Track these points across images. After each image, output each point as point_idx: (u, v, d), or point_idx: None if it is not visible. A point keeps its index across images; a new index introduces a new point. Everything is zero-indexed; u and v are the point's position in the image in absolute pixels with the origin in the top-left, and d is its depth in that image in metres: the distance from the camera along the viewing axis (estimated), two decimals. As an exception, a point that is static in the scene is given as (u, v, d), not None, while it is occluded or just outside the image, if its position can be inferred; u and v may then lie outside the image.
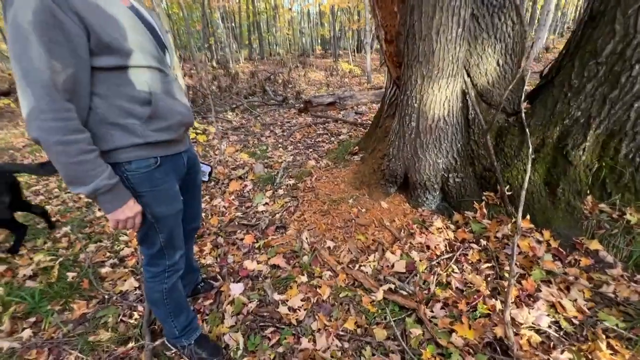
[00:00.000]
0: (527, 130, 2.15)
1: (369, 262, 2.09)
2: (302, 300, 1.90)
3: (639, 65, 1.86)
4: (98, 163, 1.01)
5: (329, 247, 2.25)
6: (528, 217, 2.13)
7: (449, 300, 1.78)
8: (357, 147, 3.39)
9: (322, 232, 2.39)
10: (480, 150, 2.32)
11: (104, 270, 2.28)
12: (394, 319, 1.72)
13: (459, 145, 2.23)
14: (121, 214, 1.10)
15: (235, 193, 3.28)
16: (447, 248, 2.13)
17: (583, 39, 2.08)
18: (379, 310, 1.78)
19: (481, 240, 2.13)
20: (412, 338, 1.61)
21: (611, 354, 1.40)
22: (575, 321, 1.59)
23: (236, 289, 2.02)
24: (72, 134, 0.93)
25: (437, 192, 2.41)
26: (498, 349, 1.50)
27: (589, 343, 1.47)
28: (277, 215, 2.71)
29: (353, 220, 2.39)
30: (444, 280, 1.90)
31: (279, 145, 4.40)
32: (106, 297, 2.06)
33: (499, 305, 1.69)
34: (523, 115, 2.20)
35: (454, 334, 1.58)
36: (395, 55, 2.31)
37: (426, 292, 1.85)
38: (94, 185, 1.00)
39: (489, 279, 1.88)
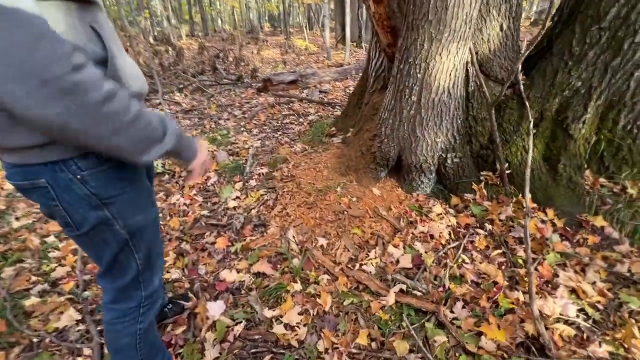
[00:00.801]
0: (526, 103, 1.99)
1: (370, 259, 1.82)
2: (299, 314, 1.58)
3: (642, 30, 1.75)
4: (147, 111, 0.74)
5: (321, 246, 1.94)
6: (529, 195, 2.01)
7: (467, 296, 1.59)
8: (333, 128, 3.06)
9: (310, 228, 2.06)
10: (478, 127, 2.13)
11: (29, 302, 1.72)
12: (412, 325, 1.48)
13: (459, 121, 2.01)
14: (204, 153, 0.95)
15: (196, 187, 2.78)
16: (452, 236, 1.94)
17: (583, 3, 1.93)
18: (393, 317, 1.53)
19: (485, 224, 1.97)
20: (436, 347, 1.39)
21: (647, 341, 1.31)
22: (600, 306, 1.49)
23: (215, 309, 1.62)
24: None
25: (433, 175, 2.20)
26: (532, 348, 1.35)
27: (622, 330, 1.37)
28: (253, 211, 2.31)
29: (345, 212, 2.10)
30: (457, 274, 1.71)
31: (242, 129, 3.89)
32: (35, 340, 1.54)
33: (521, 297, 1.54)
34: (522, 86, 2.04)
35: (482, 337, 1.39)
36: (386, 17, 1.98)
37: (441, 289, 1.64)
38: (171, 132, 0.78)
39: (503, 267, 1.73)
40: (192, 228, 2.29)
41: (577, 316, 1.45)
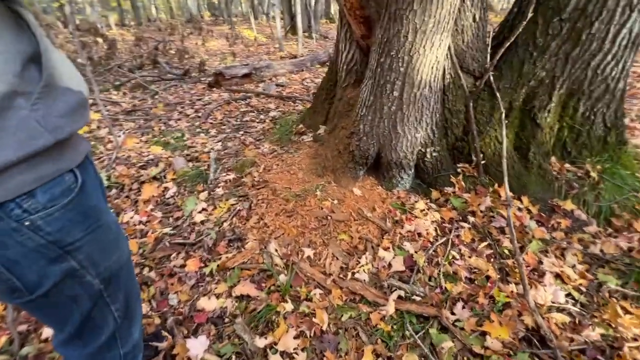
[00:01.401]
0: (497, 94, 2.02)
1: (362, 266, 1.73)
2: (295, 338, 1.44)
3: (598, 22, 1.85)
4: None
5: (308, 257, 1.79)
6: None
7: (464, 294, 1.57)
8: (301, 126, 2.89)
9: (293, 238, 1.90)
10: (453, 119, 2.12)
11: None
12: (416, 334, 1.42)
13: (438, 115, 1.97)
14: None
15: (153, 201, 2.44)
16: (438, 231, 1.92)
17: (543, -6, 1.98)
18: (395, 327, 1.46)
19: (468, 216, 1.98)
20: (444, 354, 1.34)
21: (630, 318, 1.39)
22: (583, 288, 1.57)
23: (197, 346, 1.41)
24: None
25: (412, 170, 2.16)
26: (534, 340, 1.36)
27: (607, 311, 1.45)
28: (226, 224, 2.08)
29: (329, 217, 1.97)
30: (450, 271, 1.69)
31: (198, 130, 3.53)
32: None
33: (514, 289, 1.56)
34: (491, 78, 2.06)
35: (487, 336, 1.37)
36: (359, 7, 1.84)
37: (438, 291, 1.60)
38: None
39: (492, 260, 1.74)
40: (155, 250, 2.00)
41: (567, 302, 1.50)
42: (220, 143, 3.12)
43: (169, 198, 2.45)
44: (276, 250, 1.83)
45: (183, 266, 1.85)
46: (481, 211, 2.01)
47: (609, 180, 1.95)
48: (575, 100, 2.04)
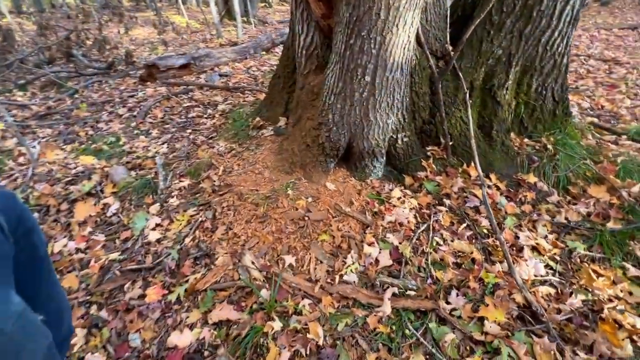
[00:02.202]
0: (460, 74, 2.01)
1: (349, 266, 1.62)
2: (290, 359, 1.29)
3: (546, -2, 1.90)
4: None
5: (290, 265, 1.63)
6: (473, 164, 2.09)
7: (454, 281, 1.55)
8: (258, 119, 2.64)
9: (270, 246, 1.71)
10: (420, 102, 2.08)
11: None
12: (417, 331, 1.35)
13: (407, 99, 1.90)
14: None
15: (91, 222, 2.05)
16: (418, 218, 1.88)
17: (496, -29, 1.98)
18: (394, 327, 1.38)
19: (443, 199, 1.98)
20: (447, 347, 1.30)
21: (603, 281, 1.49)
22: (557, 257, 1.64)
23: (175, 393, 1.18)
24: None
25: (384, 158, 2.08)
26: (527, 317, 1.38)
27: (583, 276, 1.53)
28: (188, 240, 1.81)
29: (305, 218, 1.81)
30: (437, 259, 1.66)
31: (136, 132, 3.07)
32: None
33: (499, 267, 1.58)
34: (452, 57, 2.04)
35: (485, 321, 1.36)
36: (317, -17, 1.65)
37: (430, 281, 1.55)
38: None
39: (473, 241, 1.75)
40: (102, 282, 1.67)
41: (547, 273, 1.56)
42: (165, 145, 2.74)
43: (111, 216, 2.08)
44: (253, 263, 1.63)
45: (142, 297, 1.56)
46: (455, 193, 2.01)
47: (562, 151, 2.07)
48: (528, 76, 2.11)
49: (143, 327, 1.45)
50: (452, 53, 2.02)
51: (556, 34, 2.00)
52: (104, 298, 1.60)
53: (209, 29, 8.98)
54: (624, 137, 2.51)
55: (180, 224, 1.91)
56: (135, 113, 3.51)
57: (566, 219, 1.82)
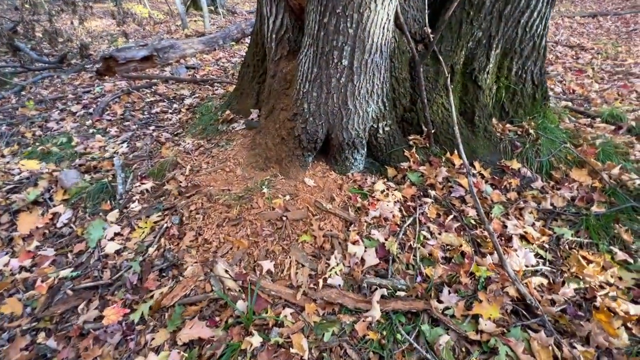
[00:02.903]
0: (440, 58, 1.91)
1: (333, 268, 1.49)
2: (272, 379, 1.15)
3: (525, -23, 1.82)
4: None
5: (268, 271, 1.48)
6: (456, 152, 2.01)
7: (444, 276, 1.46)
8: (228, 112, 2.44)
9: (245, 251, 1.55)
10: (400, 89, 1.96)
11: None
12: (408, 335, 1.25)
13: (387, 85, 1.78)
14: None
15: (37, 235, 1.79)
16: (404, 212, 1.78)
17: (473, -52, 1.88)
18: (385, 333, 1.27)
19: (428, 190, 1.88)
20: (442, 350, 1.21)
21: (593, 267, 1.45)
22: (546, 245, 1.59)
23: None
24: None
25: (365, 149, 1.96)
26: (522, 311, 1.32)
27: (573, 264, 1.48)
28: (152, 250, 1.61)
29: (283, 218, 1.66)
30: (425, 254, 1.56)
31: (92, 130, 2.76)
32: None
33: (489, 259, 1.51)
34: (433, 40, 1.93)
35: (480, 319, 1.28)
36: (284, -44, 1.48)
37: (419, 279, 1.46)
38: None
39: (461, 233, 1.67)
40: (51, 305, 1.45)
41: (537, 263, 1.50)
42: (125, 144, 2.48)
43: (61, 227, 1.83)
44: (226, 271, 1.46)
45: (99, 319, 1.36)
46: (439, 183, 1.93)
47: (543, 135, 2.04)
48: (509, 59, 2.05)
49: (100, 354, 1.25)
50: (431, 36, 1.91)
51: (535, 14, 1.94)
52: (54, 323, 1.38)
53: (174, 20, 8.48)
54: (598, 119, 2.53)
55: (143, 232, 1.70)
56: (91, 110, 3.18)
57: (552, 204, 1.78)
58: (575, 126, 2.30)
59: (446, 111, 2.03)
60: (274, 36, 1.83)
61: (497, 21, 1.92)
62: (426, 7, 1.91)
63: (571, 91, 3.45)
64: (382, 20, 1.35)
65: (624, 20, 7.22)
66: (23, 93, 3.80)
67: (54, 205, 1.94)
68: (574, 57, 4.75)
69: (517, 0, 1.87)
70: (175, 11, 9.67)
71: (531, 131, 2.04)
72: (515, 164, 1.97)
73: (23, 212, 1.91)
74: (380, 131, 1.90)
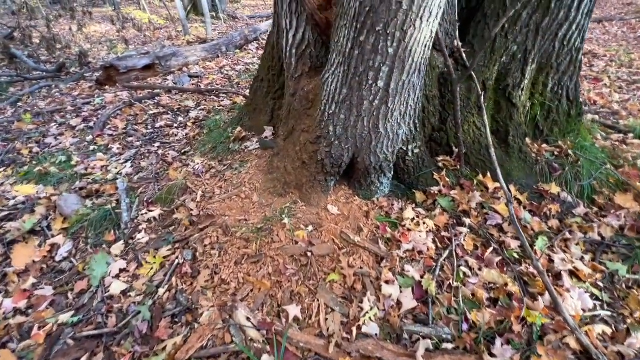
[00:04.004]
0: (473, 74, 1.76)
1: (367, 313, 1.33)
2: None
3: (566, -13, 1.69)
4: None
5: (295, 318, 1.31)
6: (489, 174, 1.87)
7: (492, 322, 1.31)
8: (240, 129, 2.28)
9: (267, 294, 1.38)
10: (430, 107, 1.82)
11: None
12: (462, 400, 1.09)
13: (420, 105, 1.63)
14: None
15: (34, 270, 1.62)
16: (438, 244, 1.62)
17: (508, -44, 1.75)
18: (434, 395, 1.11)
19: (462, 218, 1.73)
20: (502, 418, 1.04)
21: (659, 312, 1.30)
22: (600, 283, 1.44)
23: None
24: None
25: (392, 172, 1.81)
26: (587, 368, 1.16)
27: (635, 307, 1.33)
28: (162, 291, 1.44)
29: (308, 253, 1.50)
30: (468, 295, 1.40)
31: (93, 147, 2.60)
32: None
33: (541, 302, 1.35)
34: (464, 54, 1.79)
35: (541, 379, 1.12)
36: (312, -34, 1.33)
37: (466, 326, 1.30)
38: None
39: (504, 269, 1.51)
40: (50, 357, 1.28)
41: (595, 306, 1.35)
42: (129, 164, 2.31)
43: (61, 261, 1.66)
44: (248, 319, 1.30)
45: (104, 376, 1.19)
46: (472, 209, 1.78)
47: (582, 156, 1.89)
48: (544, 75, 1.91)
49: (106, 423, 1.09)
50: (462, 50, 1.77)
51: (574, 27, 1.80)
52: (52, 382, 1.21)
53: (175, 26, 8.34)
54: (630, 135, 2.39)
55: (152, 269, 1.54)
56: (91, 124, 3.02)
57: (600, 235, 1.63)
58: (611, 144, 2.16)
59: (478, 130, 1.88)
60: (294, 51, 1.68)
61: (534, 34, 1.78)
62: (457, 19, 1.77)
63: (592, 102, 3.32)
64: (425, 38, 1.20)
65: (630, 26, 7.14)
66: (20, 104, 3.63)
67: (53, 235, 1.77)
68: (588, 65, 4.64)
69: (556, 12, 1.74)
70: (175, 16, 9.54)
71: (570, 152, 1.90)
72: (554, 188, 1.82)
73: (18, 244, 1.74)
74: (410, 154, 1.75)
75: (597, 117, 2.79)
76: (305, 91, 1.64)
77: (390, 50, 1.18)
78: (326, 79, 1.48)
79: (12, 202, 1.98)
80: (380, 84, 1.28)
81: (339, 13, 1.30)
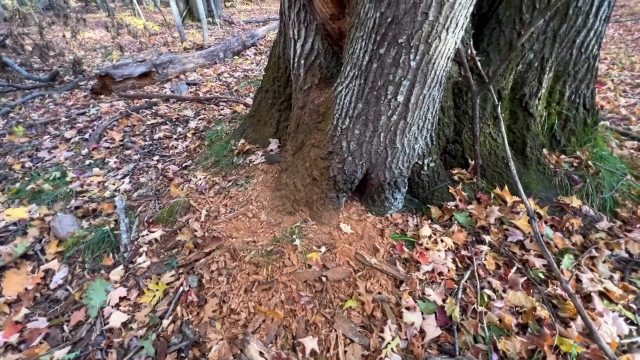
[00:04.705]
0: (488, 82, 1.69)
1: (389, 344, 1.23)
2: None
3: (584, -7, 1.62)
4: None
5: (312, 352, 1.22)
6: (506, 187, 1.79)
7: (522, 351, 1.22)
8: (244, 141, 2.19)
9: (281, 324, 1.28)
10: (445, 119, 1.74)
11: None
12: None
13: (437, 118, 1.55)
14: None
15: (26, 299, 1.51)
16: (458, 263, 1.54)
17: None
18: None
19: (481, 234, 1.65)
20: None
21: (700, 337, 1.22)
22: (633, 305, 1.36)
23: None
24: None
25: (406, 187, 1.72)
26: (630, 404, 1.08)
27: (674, 332, 1.25)
28: (167, 322, 1.33)
29: (323, 278, 1.40)
30: (495, 321, 1.31)
31: (88, 162, 2.48)
32: None
33: (574, 327, 1.27)
34: (479, 64, 1.72)
35: (583, 417, 1.03)
36: (325, -27, 1.25)
37: (495, 357, 1.21)
38: None
39: (530, 290, 1.43)
40: (44, 402, 1.16)
41: (631, 332, 1.27)
42: (127, 179, 2.20)
43: (56, 289, 1.55)
44: (261, 354, 1.20)
45: (105, 423, 1.09)
46: (491, 224, 1.70)
47: (601, 167, 1.82)
48: (561, 83, 1.84)
49: None
50: (477, 58, 1.69)
51: (591, 33, 1.74)
52: None
53: (170, 32, 8.23)
54: (644, 142, 2.33)
55: (155, 297, 1.43)
56: (86, 136, 2.90)
57: (627, 251, 1.55)
58: (630, 153, 2.09)
59: (494, 142, 1.81)
60: (302, 62, 1.60)
61: (552, 42, 1.71)
62: (472, 26, 1.70)
63: (600, 107, 3.27)
64: (449, 50, 1.13)
65: (625, 28, 7.16)
66: (11, 115, 3.50)
67: (47, 260, 1.66)
68: (590, 68, 4.60)
69: (574, 18, 1.67)
70: (171, 22, 9.45)
71: (589, 162, 1.83)
72: (575, 201, 1.74)
73: (9, 270, 1.62)
74: (425, 168, 1.67)
75: (607, 123, 2.74)
76: (315, 104, 1.56)
77: (413, 64, 1.09)
78: (339, 92, 1.39)
79: (2, 224, 1.87)
80: (400, 98, 1.20)
81: (354, 23, 1.22)
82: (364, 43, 1.16)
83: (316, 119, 1.57)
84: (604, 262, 1.52)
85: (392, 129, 1.33)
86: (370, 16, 1.09)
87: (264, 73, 2.19)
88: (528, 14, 1.68)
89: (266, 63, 2.17)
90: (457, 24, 1.05)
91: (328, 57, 1.57)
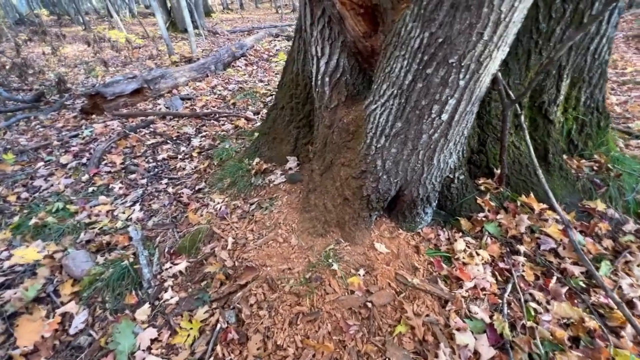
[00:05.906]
0: (510, 92, 1.69)
1: (446, 369, 1.19)
2: None
3: (597, 1, 1.66)
4: None
5: (369, 385, 1.16)
6: (532, 195, 1.79)
7: (581, 366, 1.20)
8: (259, 160, 2.12)
9: (331, 357, 1.22)
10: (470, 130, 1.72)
11: None
12: None
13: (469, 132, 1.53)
14: None
15: (45, 348, 1.39)
16: (498, 276, 1.52)
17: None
18: None
19: (515, 245, 1.64)
20: None
21: None
22: (675, 309, 1.37)
23: None
24: None
25: (436, 201, 1.70)
26: (697, 414, 1.07)
27: None
28: (208, 364, 1.25)
29: (368, 304, 1.35)
30: (547, 336, 1.29)
31: (91, 189, 2.34)
32: None
33: (625, 336, 1.26)
34: (499, 74, 1.72)
35: None
36: (358, -9, 1.21)
37: (556, 375, 1.18)
38: None
39: (575, 301, 1.42)
40: None
41: (680, 336, 1.27)
42: (138, 206, 2.09)
43: (77, 334, 1.43)
44: (317, 393, 1.13)
45: None
46: (523, 233, 1.69)
47: (621, 169, 1.85)
48: (577, 89, 1.87)
49: None
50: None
51: (604, 40, 1.77)
52: None
53: (155, 44, 8.04)
54: (648, 140, 2.41)
55: (189, 336, 1.34)
56: (84, 160, 2.75)
57: (659, 254, 1.57)
58: (640, 153, 2.15)
59: (517, 150, 1.81)
60: (327, 79, 1.55)
61: (568, 49, 1.74)
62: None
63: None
64: (495, 67, 1.11)
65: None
66: (-4, 141, 3.29)
67: (62, 303, 1.54)
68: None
69: (588, 25, 1.70)
70: (154, 34, 9.24)
71: (609, 165, 1.86)
72: (600, 205, 1.76)
73: (22, 316, 1.49)
74: (455, 181, 1.65)
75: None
76: (344, 122, 1.51)
77: (462, 82, 1.07)
78: (372, 110, 1.36)
79: (6, 265, 1.72)
80: (444, 117, 1.17)
81: (391, 42, 1.19)
82: (406, 62, 1.13)
83: (346, 138, 1.52)
84: (639, 265, 1.53)
85: (432, 146, 1.30)
86: (415, 36, 1.06)
87: (277, 90, 2.13)
88: (545, 23, 1.70)
89: (278, 79, 2.11)
90: (507, 42, 1.03)
91: (354, 74, 1.53)
